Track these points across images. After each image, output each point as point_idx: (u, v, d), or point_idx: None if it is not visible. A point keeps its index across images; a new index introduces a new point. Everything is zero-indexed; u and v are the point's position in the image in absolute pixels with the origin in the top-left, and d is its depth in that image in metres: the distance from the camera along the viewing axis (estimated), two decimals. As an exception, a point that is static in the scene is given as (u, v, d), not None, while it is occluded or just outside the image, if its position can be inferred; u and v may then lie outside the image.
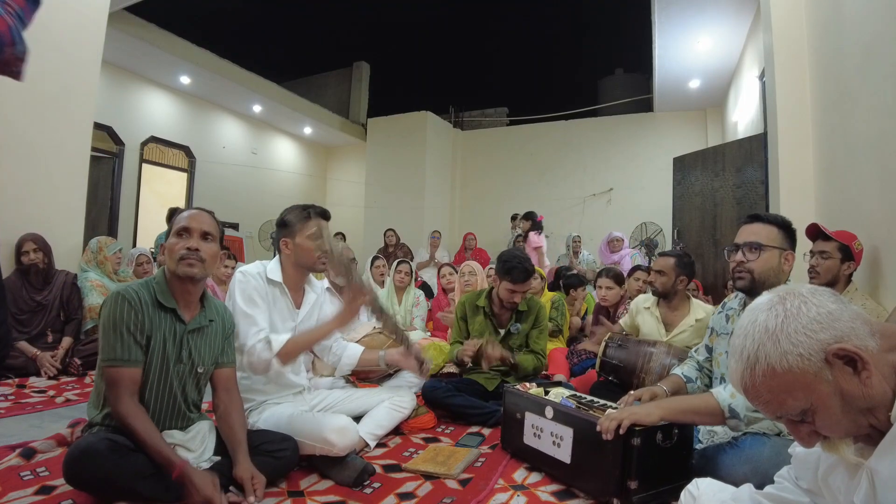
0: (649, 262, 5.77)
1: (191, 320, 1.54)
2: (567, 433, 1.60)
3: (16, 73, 1.07)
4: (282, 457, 1.58)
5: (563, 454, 1.61)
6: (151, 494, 1.33)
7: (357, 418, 1.94)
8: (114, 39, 4.95)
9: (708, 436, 1.67)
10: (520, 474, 1.73)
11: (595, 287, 3.58)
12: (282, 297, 1.87)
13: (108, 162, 6.54)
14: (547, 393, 1.90)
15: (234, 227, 8.04)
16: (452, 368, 2.82)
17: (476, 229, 7.50)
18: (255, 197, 8.62)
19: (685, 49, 5.99)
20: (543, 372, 2.77)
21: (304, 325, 1.91)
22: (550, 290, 4.09)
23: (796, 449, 0.95)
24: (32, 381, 2.84)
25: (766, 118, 3.93)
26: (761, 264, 1.58)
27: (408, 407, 2.11)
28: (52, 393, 2.65)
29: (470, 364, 2.50)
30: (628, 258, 5.68)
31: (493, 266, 2.76)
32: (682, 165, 5.60)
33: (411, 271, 4.25)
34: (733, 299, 1.81)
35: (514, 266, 2.41)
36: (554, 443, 1.65)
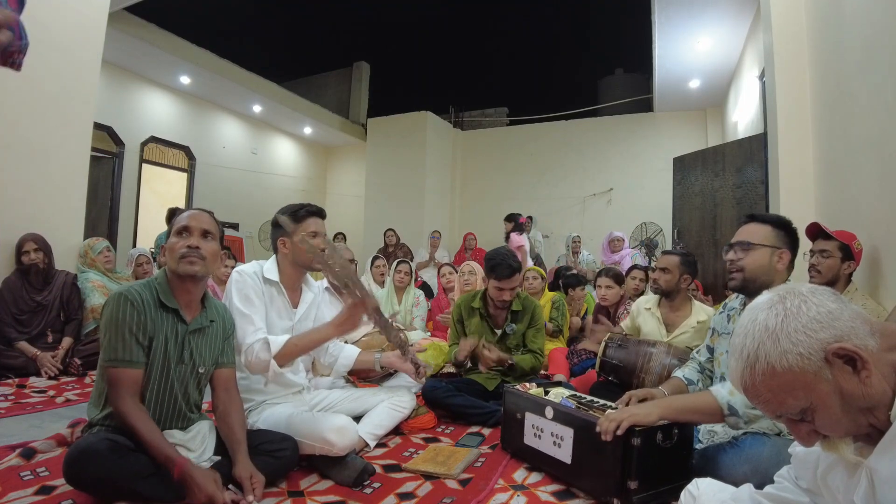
0: (649, 262, 5.78)
1: (192, 321, 1.55)
2: (567, 433, 1.60)
3: (17, 65, 1.14)
4: (281, 456, 1.58)
5: (564, 454, 1.61)
6: (151, 494, 1.33)
7: (357, 418, 1.94)
8: (114, 39, 4.95)
9: (708, 436, 1.66)
10: (520, 474, 1.73)
11: (595, 287, 3.58)
12: (279, 296, 1.87)
13: (108, 162, 6.54)
14: (547, 393, 1.90)
15: (234, 227, 8.04)
16: (452, 368, 2.83)
17: (476, 229, 7.49)
18: (255, 197, 8.62)
19: (685, 49, 5.99)
20: (543, 372, 2.77)
21: (302, 324, 1.91)
22: (550, 290, 4.09)
23: (796, 448, 0.95)
24: (32, 381, 2.84)
25: (766, 118, 3.93)
26: (751, 262, 1.60)
27: (408, 407, 2.11)
28: (52, 393, 2.65)
29: (468, 364, 2.50)
30: (628, 258, 5.68)
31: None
32: (682, 165, 5.61)
33: (411, 271, 4.26)
34: (734, 299, 1.81)
35: (498, 263, 2.42)
36: (554, 443, 1.65)
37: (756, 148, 4.44)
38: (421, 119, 8.96)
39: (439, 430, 2.20)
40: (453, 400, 2.28)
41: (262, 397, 1.85)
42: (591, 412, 1.63)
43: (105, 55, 3.99)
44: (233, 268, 3.85)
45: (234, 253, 4.35)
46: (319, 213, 1.90)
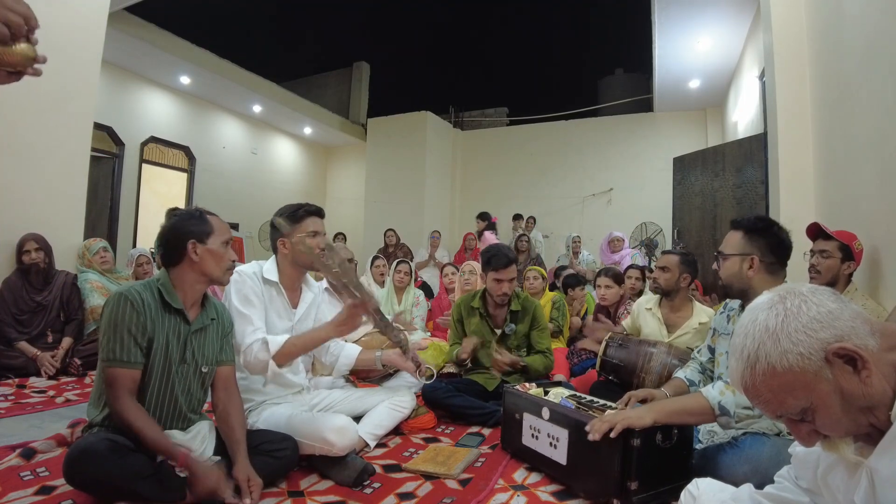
0: (649, 262, 5.78)
1: (195, 320, 1.55)
2: (563, 434, 1.60)
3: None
4: (281, 457, 1.58)
5: (560, 455, 1.61)
6: (151, 495, 1.33)
7: (357, 418, 1.94)
8: (114, 39, 4.94)
9: (708, 436, 1.67)
10: (520, 474, 1.73)
11: (595, 287, 3.58)
12: (278, 296, 1.87)
13: (108, 162, 6.54)
14: (547, 393, 1.90)
15: (234, 227, 8.04)
16: (452, 368, 2.82)
17: (475, 229, 7.49)
18: (255, 197, 8.62)
19: (685, 49, 5.99)
20: (549, 371, 2.77)
21: (301, 324, 1.91)
22: (550, 289, 4.09)
23: (796, 448, 0.95)
24: (32, 381, 2.84)
25: (766, 118, 3.93)
26: (725, 272, 1.65)
27: (408, 407, 2.11)
28: (52, 393, 2.65)
29: (469, 364, 2.50)
30: (628, 258, 5.68)
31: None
32: (682, 165, 5.61)
33: (411, 271, 4.25)
34: (734, 300, 1.81)
35: (494, 254, 2.47)
36: (551, 444, 1.65)
37: (756, 148, 4.43)
38: (421, 119, 8.96)
39: (439, 430, 2.20)
40: (453, 400, 2.29)
41: (262, 397, 1.85)
42: (590, 412, 1.63)
43: (105, 55, 3.99)
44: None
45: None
46: (318, 213, 1.89)
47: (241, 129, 8.66)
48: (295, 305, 1.92)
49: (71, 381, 2.91)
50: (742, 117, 5.83)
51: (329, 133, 9.76)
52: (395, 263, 4.22)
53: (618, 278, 3.40)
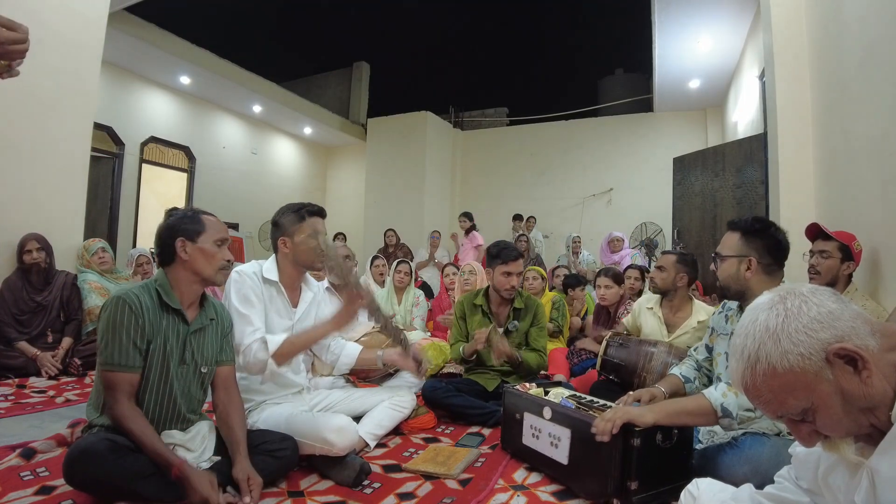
0: (649, 263, 5.78)
1: (193, 320, 1.55)
2: (565, 434, 1.60)
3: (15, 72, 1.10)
4: (281, 457, 1.58)
5: (561, 455, 1.61)
6: (151, 494, 1.33)
7: (357, 418, 1.94)
8: (114, 39, 4.94)
9: (708, 436, 1.66)
10: (520, 474, 1.73)
11: (595, 287, 3.58)
12: (278, 296, 1.86)
13: (108, 162, 6.54)
14: (547, 393, 1.90)
15: (234, 227, 8.04)
16: (452, 368, 2.82)
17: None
18: (255, 197, 8.62)
19: (685, 49, 5.99)
20: (543, 372, 2.77)
21: (301, 323, 1.91)
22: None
23: (796, 449, 0.95)
24: (32, 381, 2.84)
25: (766, 118, 3.93)
26: (722, 273, 1.65)
27: (408, 407, 2.11)
28: (52, 393, 2.65)
29: (473, 359, 2.50)
30: (628, 258, 5.68)
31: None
32: (682, 165, 5.60)
33: (411, 271, 4.25)
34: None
35: (504, 248, 2.52)
36: (552, 444, 1.65)
37: (756, 148, 4.43)
38: (421, 119, 8.96)
39: (439, 430, 2.20)
40: (453, 400, 2.28)
41: (262, 397, 1.85)
42: (590, 412, 1.63)
43: (105, 55, 3.99)
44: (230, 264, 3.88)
45: (233, 253, 4.34)
46: (320, 213, 1.90)
47: (241, 129, 8.66)
48: (295, 304, 1.92)
49: (71, 381, 2.91)
50: (742, 117, 5.83)
51: (329, 133, 9.76)
52: (395, 263, 4.22)
53: (617, 278, 3.39)
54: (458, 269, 4.01)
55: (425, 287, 5.45)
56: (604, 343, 2.48)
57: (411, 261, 5.28)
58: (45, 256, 3.21)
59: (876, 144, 2.35)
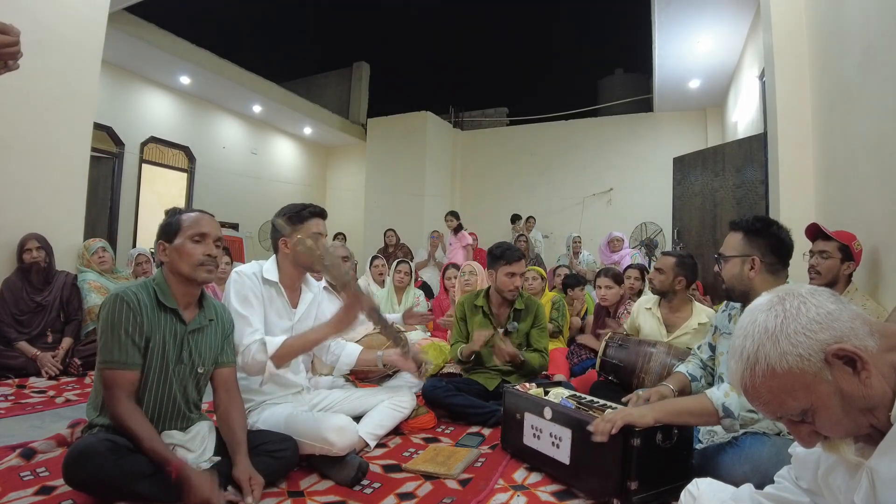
0: (649, 262, 5.78)
1: (191, 321, 1.55)
2: (566, 434, 1.60)
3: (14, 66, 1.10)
4: (281, 457, 1.58)
5: (562, 455, 1.61)
6: (151, 495, 1.33)
7: (357, 418, 1.94)
8: (114, 39, 4.94)
9: (708, 436, 1.66)
10: (520, 474, 1.73)
11: (595, 287, 3.58)
12: (278, 296, 1.86)
13: (108, 162, 6.54)
14: (547, 393, 1.90)
15: (234, 227, 8.04)
16: (452, 368, 2.82)
17: (476, 229, 7.49)
18: (254, 197, 8.62)
19: (685, 49, 5.99)
20: (543, 372, 2.77)
21: (301, 324, 1.90)
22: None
23: (796, 449, 0.95)
24: (32, 381, 2.84)
25: (766, 118, 3.93)
26: (727, 274, 1.64)
27: (408, 407, 2.11)
28: (52, 393, 2.65)
29: (473, 360, 2.50)
30: (628, 258, 5.68)
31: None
32: (682, 165, 5.60)
33: (411, 271, 4.25)
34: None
35: (506, 248, 2.53)
36: (553, 443, 1.65)
37: (756, 148, 4.43)
38: (421, 119, 8.96)
39: (439, 430, 2.20)
40: (453, 400, 2.29)
41: (262, 397, 1.85)
42: (590, 412, 1.63)
43: (105, 55, 3.99)
44: (227, 263, 3.87)
45: (233, 253, 4.34)
46: (321, 214, 1.90)
47: (241, 129, 8.66)
48: (295, 305, 1.92)
49: (71, 381, 2.91)
50: (742, 117, 5.83)
51: (329, 133, 9.76)
52: (395, 263, 4.22)
53: (617, 278, 3.39)
54: (460, 270, 4.00)
55: (425, 287, 5.45)
56: (603, 343, 2.48)
57: (411, 261, 5.28)
58: (45, 256, 3.21)
59: (876, 144, 2.35)
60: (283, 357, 1.70)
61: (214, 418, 1.62)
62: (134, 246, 6.26)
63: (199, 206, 7.07)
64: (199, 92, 7.61)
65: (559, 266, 5.22)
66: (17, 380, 2.82)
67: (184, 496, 1.31)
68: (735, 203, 4.69)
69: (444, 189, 9.39)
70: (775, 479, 1.03)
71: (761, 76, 4.53)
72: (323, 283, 2.39)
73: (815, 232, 2.28)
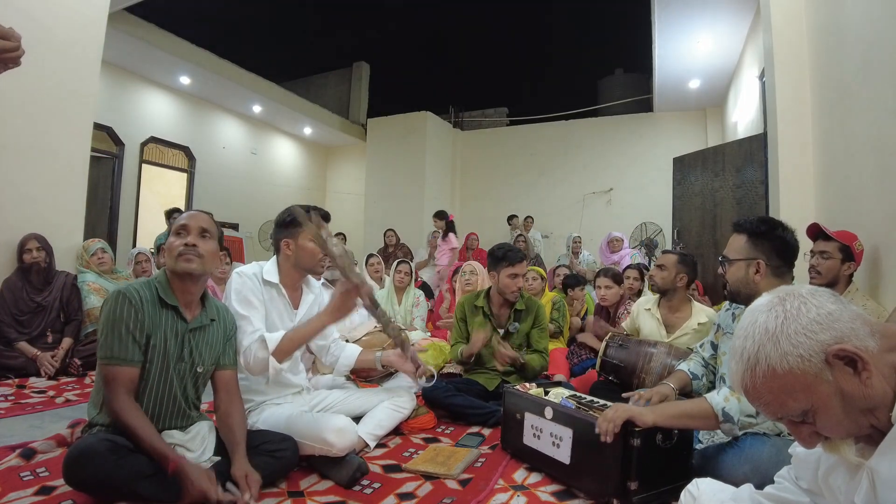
0: (649, 262, 5.78)
1: (193, 319, 1.55)
2: (566, 434, 1.60)
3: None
4: (281, 457, 1.58)
5: (563, 455, 1.61)
6: (151, 495, 1.33)
7: (357, 418, 1.94)
8: (114, 39, 4.94)
9: (708, 436, 1.66)
10: (520, 474, 1.73)
11: (595, 287, 3.58)
12: (279, 297, 1.86)
13: (108, 162, 6.54)
14: (547, 393, 1.90)
15: (234, 227, 8.04)
16: (452, 368, 2.83)
17: (476, 229, 7.49)
18: (255, 197, 8.63)
19: (685, 49, 5.99)
20: (543, 372, 2.77)
21: (303, 325, 1.90)
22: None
23: (796, 449, 0.95)
24: (32, 381, 2.84)
25: (766, 118, 3.93)
26: (731, 277, 1.63)
27: (408, 407, 2.11)
28: (52, 393, 2.65)
29: (473, 361, 2.50)
30: (628, 258, 5.68)
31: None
32: (682, 165, 5.60)
33: (411, 271, 4.25)
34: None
35: (508, 250, 2.53)
36: (553, 443, 1.65)
37: (756, 148, 4.43)
38: (421, 119, 8.96)
39: (439, 430, 2.20)
40: (453, 400, 2.29)
41: (262, 398, 1.85)
42: (590, 412, 1.63)
43: (105, 55, 3.99)
44: (228, 263, 3.87)
45: (232, 253, 4.34)
46: (326, 217, 1.90)
47: (240, 129, 8.66)
48: (296, 306, 1.92)
49: (71, 382, 2.91)
50: (742, 117, 5.83)
51: (329, 133, 9.76)
52: (395, 263, 4.22)
53: (617, 278, 3.40)
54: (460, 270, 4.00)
55: (425, 287, 5.45)
56: (603, 344, 2.48)
57: (411, 261, 5.27)
58: (45, 256, 3.21)
59: (876, 144, 2.35)
60: (283, 351, 1.70)
61: (214, 419, 1.62)
62: (134, 246, 6.26)
63: (199, 206, 7.10)
64: (198, 92, 7.61)
65: (559, 266, 5.22)
66: (17, 380, 2.82)
67: (182, 492, 1.31)
68: (735, 203, 4.69)
69: (444, 189, 9.39)
70: (775, 479, 1.03)
71: (761, 76, 4.53)
72: (322, 280, 2.38)
73: (815, 232, 2.27)
